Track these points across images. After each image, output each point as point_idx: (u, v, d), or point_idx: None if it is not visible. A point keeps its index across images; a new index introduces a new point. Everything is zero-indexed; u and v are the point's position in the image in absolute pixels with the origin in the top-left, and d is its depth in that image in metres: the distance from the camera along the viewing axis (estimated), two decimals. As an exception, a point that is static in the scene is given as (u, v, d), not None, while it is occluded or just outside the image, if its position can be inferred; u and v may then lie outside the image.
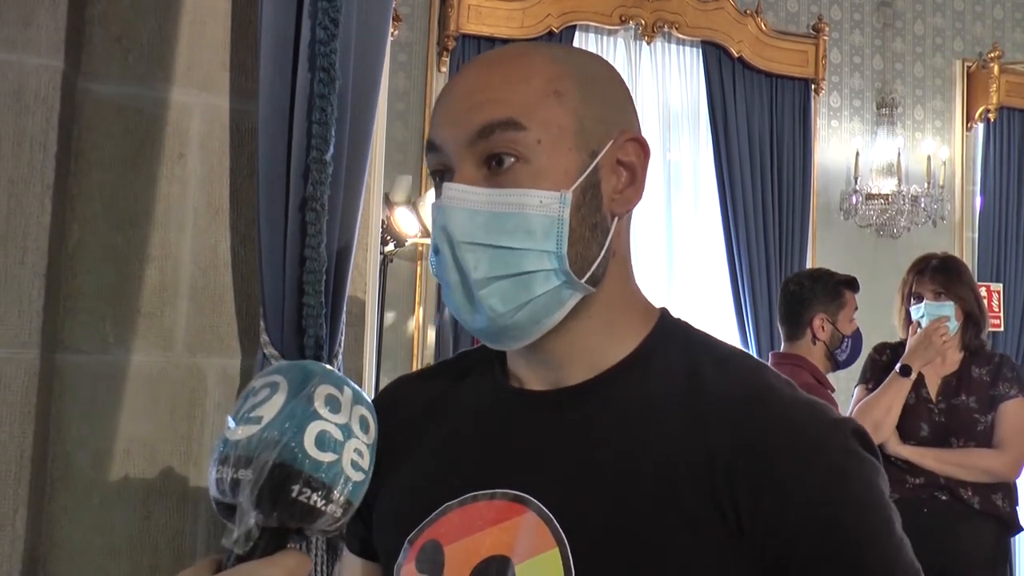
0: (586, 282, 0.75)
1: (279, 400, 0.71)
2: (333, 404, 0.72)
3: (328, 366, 0.75)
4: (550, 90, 0.75)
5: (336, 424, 0.71)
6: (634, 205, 0.79)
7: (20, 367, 1.42)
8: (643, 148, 0.79)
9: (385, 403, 0.90)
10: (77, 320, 1.53)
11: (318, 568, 1.42)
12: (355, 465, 0.71)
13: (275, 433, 0.69)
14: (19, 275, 1.43)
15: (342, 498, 0.70)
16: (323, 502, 0.69)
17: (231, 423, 0.71)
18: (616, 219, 0.78)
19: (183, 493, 1.56)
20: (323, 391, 0.72)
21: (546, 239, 0.73)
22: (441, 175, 0.77)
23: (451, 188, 0.74)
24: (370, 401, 0.77)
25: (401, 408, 0.88)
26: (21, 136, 1.45)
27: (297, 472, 0.68)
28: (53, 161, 1.46)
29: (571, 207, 0.74)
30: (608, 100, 0.79)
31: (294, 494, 0.68)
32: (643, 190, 0.79)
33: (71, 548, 1.50)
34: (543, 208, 0.73)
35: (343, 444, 0.70)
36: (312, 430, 0.69)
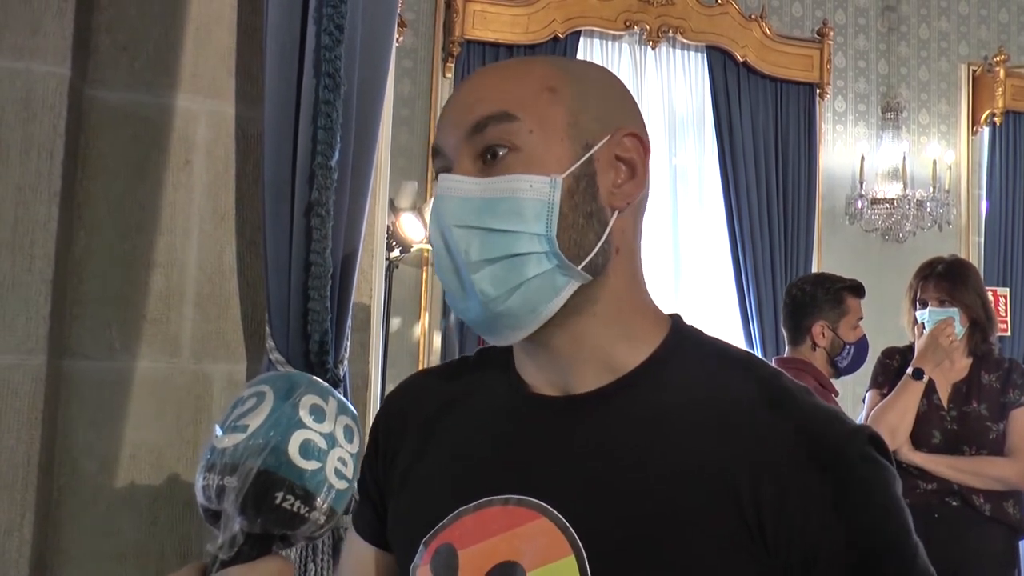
0: (583, 269, 0.76)
1: (265, 409, 0.72)
2: (318, 414, 0.73)
3: (314, 377, 0.76)
4: (544, 87, 0.77)
5: (320, 433, 0.72)
6: (635, 199, 0.80)
7: (27, 373, 1.43)
8: (643, 144, 0.80)
9: (403, 400, 0.91)
10: (84, 326, 1.54)
11: (323, 573, 1.42)
12: (339, 473, 0.72)
13: (260, 441, 0.70)
14: (26, 282, 1.44)
15: (325, 505, 0.71)
16: (306, 509, 0.70)
17: (218, 431, 0.72)
18: (616, 213, 0.78)
19: (189, 498, 1.56)
20: (308, 401, 0.73)
21: (536, 222, 0.74)
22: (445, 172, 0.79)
23: (446, 178, 0.77)
24: (355, 412, 0.77)
25: (419, 406, 0.88)
26: (28, 143, 1.46)
27: (281, 479, 0.69)
28: (60, 168, 1.47)
29: (563, 192, 0.75)
30: (605, 100, 0.80)
31: (277, 501, 0.69)
32: (644, 185, 0.80)
33: (78, 553, 1.50)
34: (533, 192, 0.74)
35: (327, 453, 0.72)
36: (296, 438, 0.71)
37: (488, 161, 0.76)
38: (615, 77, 0.85)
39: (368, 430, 0.93)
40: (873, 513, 0.70)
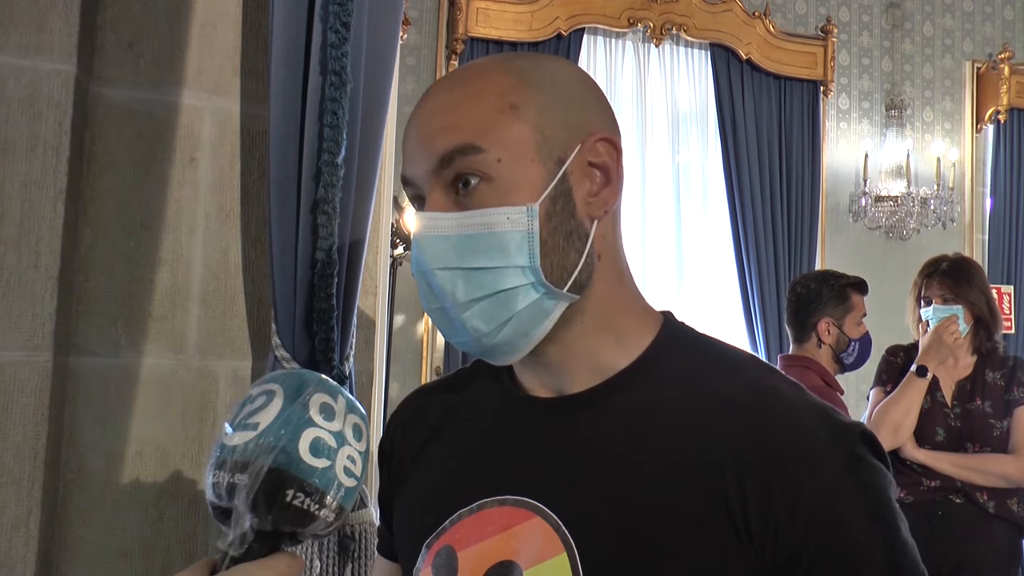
0: (568, 290, 0.75)
1: (275, 407, 0.72)
2: (327, 412, 0.73)
3: (323, 376, 0.77)
4: (505, 105, 0.74)
5: (330, 431, 0.72)
6: (612, 206, 0.78)
7: (33, 370, 1.43)
8: (615, 147, 0.78)
9: (404, 419, 0.93)
10: (90, 323, 1.54)
11: (329, 570, 1.43)
12: (348, 472, 0.73)
13: (271, 439, 0.70)
14: (32, 279, 1.44)
15: (335, 503, 0.72)
16: (316, 507, 0.71)
17: (228, 429, 0.73)
18: (595, 222, 0.77)
19: (194, 495, 1.56)
20: (318, 399, 0.73)
21: (518, 254, 0.73)
22: (419, 203, 0.78)
23: (421, 217, 0.75)
24: (364, 411, 0.78)
25: (420, 421, 0.90)
26: (34, 141, 1.46)
27: (292, 477, 0.70)
28: (66, 165, 1.47)
29: (540, 219, 0.73)
30: (572, 104, 0.78)
31: (288, 498, 0.70)
32: (620, 189, 0.79)
33: (84, 549, 1.51)
34: (511, 224, 0.73)
35: (336, 451, 0.72)
36: (307, 437, 0.71)
37: (461, 190, 0.74)
38: (580, 74, 0.82)
39: (372, 428, 0.94)
40: (860, 512, 0.70)
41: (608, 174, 0.78)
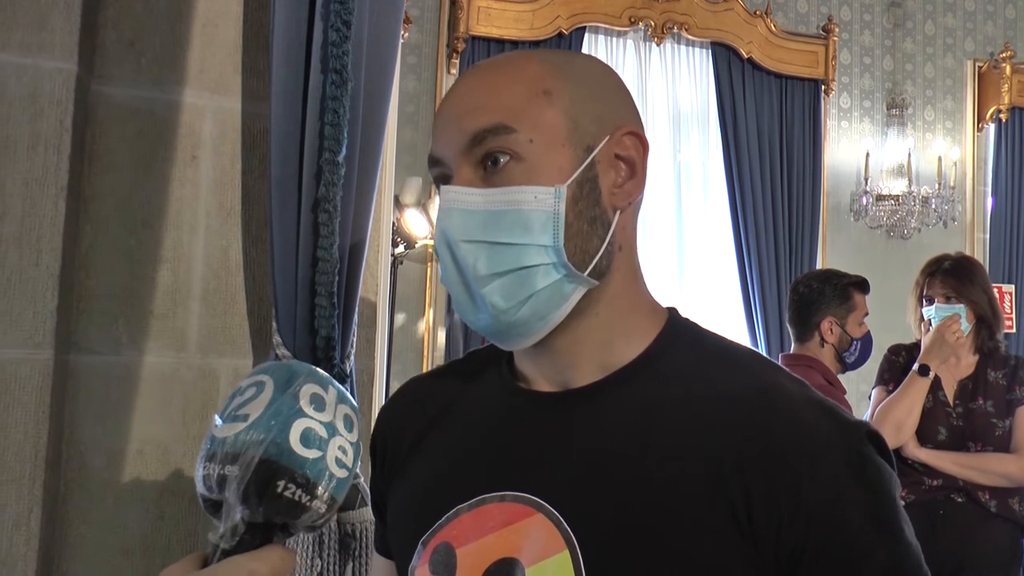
0: (589, 275, 0.76)
1: (265, 398, 0.71)
2: (318, 403, 0.72)
3: (313, 366, 0.76)
4: (539, 90, 0.76)
5: (321, 422, 0.72)
6: (636, 198, 0.80)
7: (34, 368, 1.43)
8: (641, 142, 0.80)
9: (397, 410, 0.92)
10: (91, 321, 1.54)
11: (330, 568, 1.42)
12: (339, 462, 0.72)
13: (261, 430, 0.70)
14: (33, 276, 1.44)
15: (326, 494, 0.71)
16: (308, 498, 0.70)
17: (218, 421, 0.72)
18: (618, 213, 0.78)
19: (195, 493, 1.56)
20: (308, 390, 0.72)
21: (543, 233, 0.74)
22: (444, 181, 0.79)
23: (448, 191, 0.76)
24: (355, 402, 0.78)
25: (413, 413, 0.89)
26: (35, 139, 1.46)
27: (283, 468, 0.69)
28: (67, 163, 1.47)
29: (567, 201, 0.74)
30: (602, 97, 0.79)
31: (279, 489, 0.69)
32: (644, 183, 0.80)
33: (85, 548, 1.51)
34: (538, 203, 0.74)
35: (327, 441, 0.71)
36: (297, 427, 0.70)
37: (489, 168, 0.75)
38: (610, 71, 0.84)
39: (371, 427, 0.93)
40: (863, 511, 0.69)
41: (633, 167, 0.79)
